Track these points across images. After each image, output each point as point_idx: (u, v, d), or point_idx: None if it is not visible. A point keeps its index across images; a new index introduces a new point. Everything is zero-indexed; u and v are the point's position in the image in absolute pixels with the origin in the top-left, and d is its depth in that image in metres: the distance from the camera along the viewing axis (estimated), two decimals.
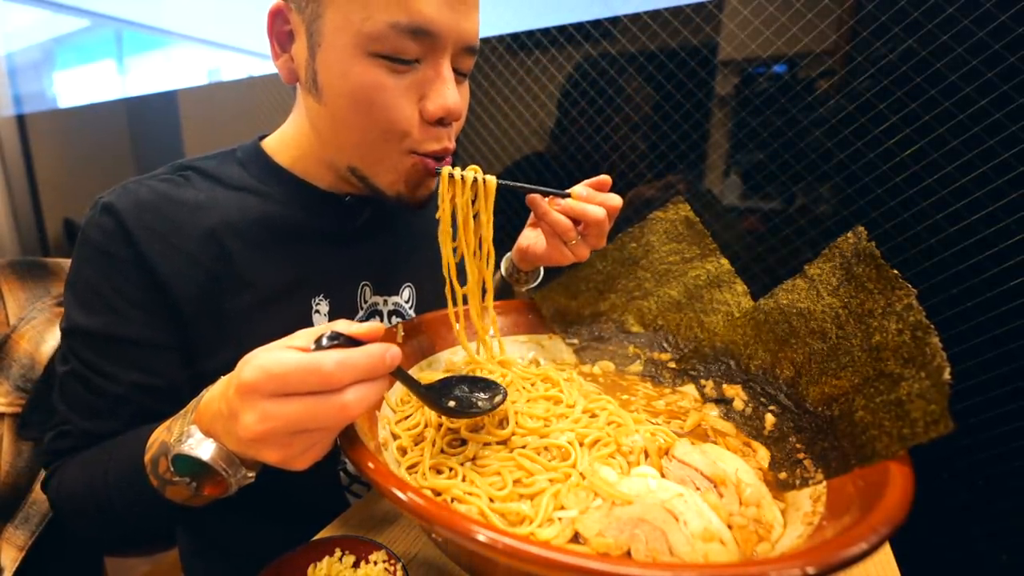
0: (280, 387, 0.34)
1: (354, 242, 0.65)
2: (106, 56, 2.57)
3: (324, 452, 0.38)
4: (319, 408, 0.34)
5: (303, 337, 0.37)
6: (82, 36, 2.58)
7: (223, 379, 0.40)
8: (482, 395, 0.48)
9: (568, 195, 0.60)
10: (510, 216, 0.77)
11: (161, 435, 0.45)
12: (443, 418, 0.50)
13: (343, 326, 0.37)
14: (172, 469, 0.42)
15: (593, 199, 0.60)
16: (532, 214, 0.68)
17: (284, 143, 0.63)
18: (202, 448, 0.40)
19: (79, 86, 2.67)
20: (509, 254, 0.79)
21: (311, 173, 0.62)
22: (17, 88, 2.55)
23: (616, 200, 0.61)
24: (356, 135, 0.54)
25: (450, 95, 0.52)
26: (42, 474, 0.66)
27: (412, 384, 0.42)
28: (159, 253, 0.53)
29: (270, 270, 0.58)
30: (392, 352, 0.36)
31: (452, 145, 0.58)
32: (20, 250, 2.56)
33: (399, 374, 0.40)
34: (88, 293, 0.53)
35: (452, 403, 0.46)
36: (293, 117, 0.63)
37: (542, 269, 0.77)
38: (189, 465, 0.41)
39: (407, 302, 0.70)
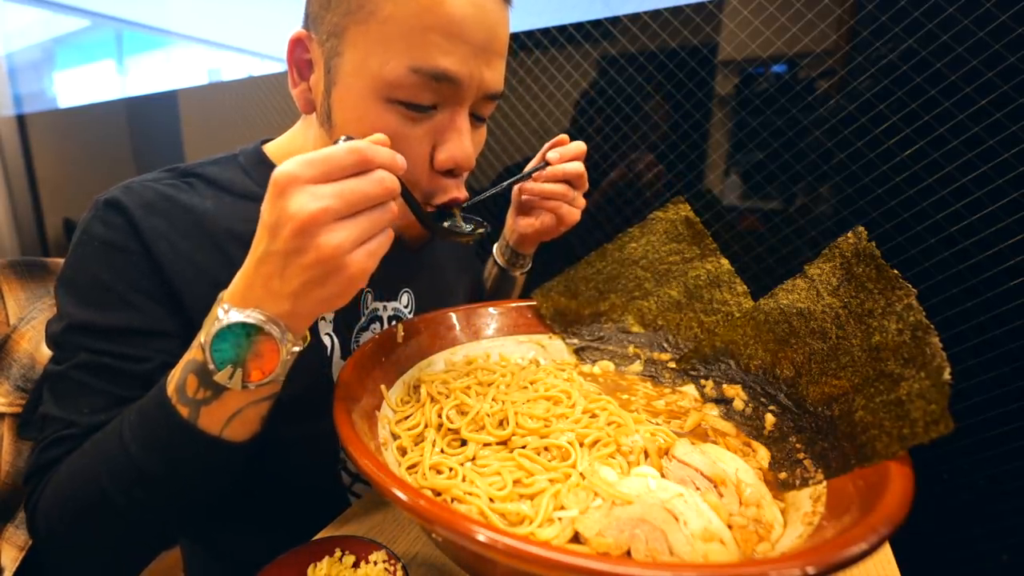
0: (325, 171, 0.35)
1: None
2: (106, 56, 2.58)
3: (371, 261, 0.38)
4: (362, 182, 0.36)
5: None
6: (82, 36, 2.58)
7: (246, 260, 0.40)
8: (468, 226, 0.55)
9: (545, 165, 0.67)
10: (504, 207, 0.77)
11: (182, 362, 0.42)
12: (443, 418, 0.50)
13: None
14: (212, 366, 0.39)
15: (565, 157, 0.67)
16: (513, 201, 0.75)
17: (289, 151, 0.62)
18: (245, 313, 0.38)
19: (79, 86, 2.67)
20: (499, 243, 0.81)
21: None
22: (17, 88, 2.55)
23: (578, 147, 0.68)
24: None
25: (463, 148, 0.51)
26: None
27: (412, 200, 0.46)
28: (167, 254, 0.52)
29: None
30: (400, 156, 0.40)
31: (462, 195, 0.56)
32: (20, 250, 2.56)
33: (403, 191, 0.42)
34: (96, 290, 0.51)
35: (446, 224, 0.53)
36: (301, 128, 0.62)
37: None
38: (234, 339, 0.39)
39: (406, 307, 0.71)
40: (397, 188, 0.38)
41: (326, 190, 0.35)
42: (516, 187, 0.73)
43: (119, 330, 0.50)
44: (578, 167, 0.67)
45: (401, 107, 0.49)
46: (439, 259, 0.78)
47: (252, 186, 0.60)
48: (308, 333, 0.43)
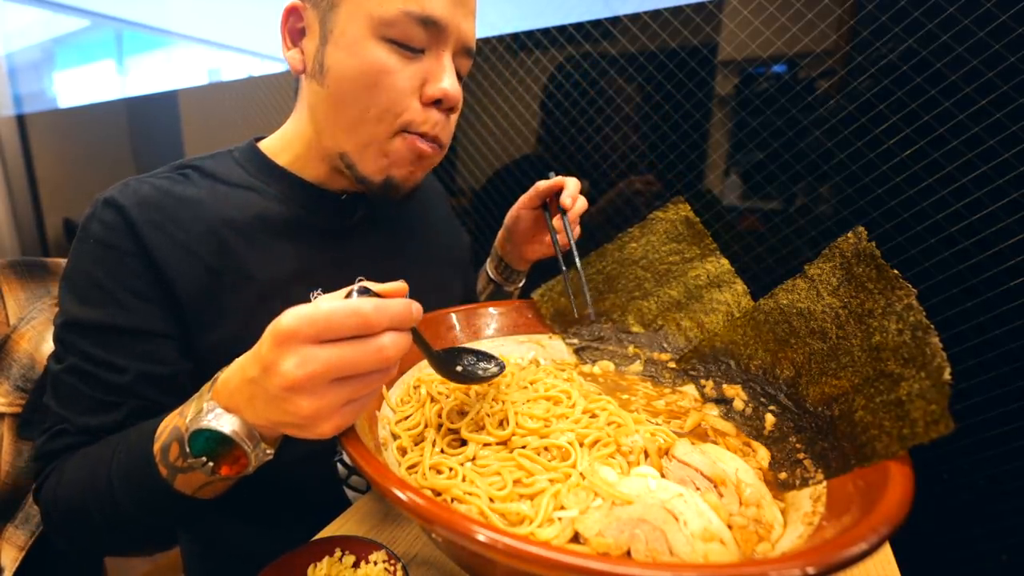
0: (321, 331, 0.34)
1: (350, 238, 0.67)
2: (106, 56, 2.57)
3: (349, 421, 0.38)
4: (358, 351, 0.35)
5: (330, 298, 0.38)
6: (82, 36, 2.58)
7: (240, 359, 0.40)
8: (483, 364, 0.51)
9: (563, 212, 0.69)
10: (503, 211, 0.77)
11: (173, 421, 0.45)
12: (443, 418, 0.50)
13: (369, 284, 0.39)
14: (188, 450, 0.41)
15: (575, 198, 0.69)
16: (510, 227, 0.77)
17: (282, 143, 0.65)
18: (224, 421, 0.40)
19: (79, 86, 2.67)
20: (491, 262, 0.83)
21: (308, 171, 0.64)
22: (17, 88, 2.55)
23: (578, 184, 0.71)
24: (353, 113, 0.56)
25: (450, 82, 0.56)
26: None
27: (426, 347, 0.44)
28: (161, 246, 0.54)
29: (269, 264, 0.59)
30: (416, 306, 0.38)
31: (446, 138, 0.61)
32: (20, 250, 2.56)
33: (416, 335, 0.41)
34: (89, 287, 0.53)
35: (459, 368, 0.49)
36: (293, 118, 0.65)
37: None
38: (208, 441, 0.40)
39: None
40: (398, 355, 0.37)
41: (319, 355, 0.34)
42: (513, 215, 0.76)
43: (106, 328, 0.53)
44: (584, 204, 0.71)
45: (394, 45, 0.54)
46: (433, 255, 0.79)
47: (245, 176, 0.63)
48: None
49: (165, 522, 0.52)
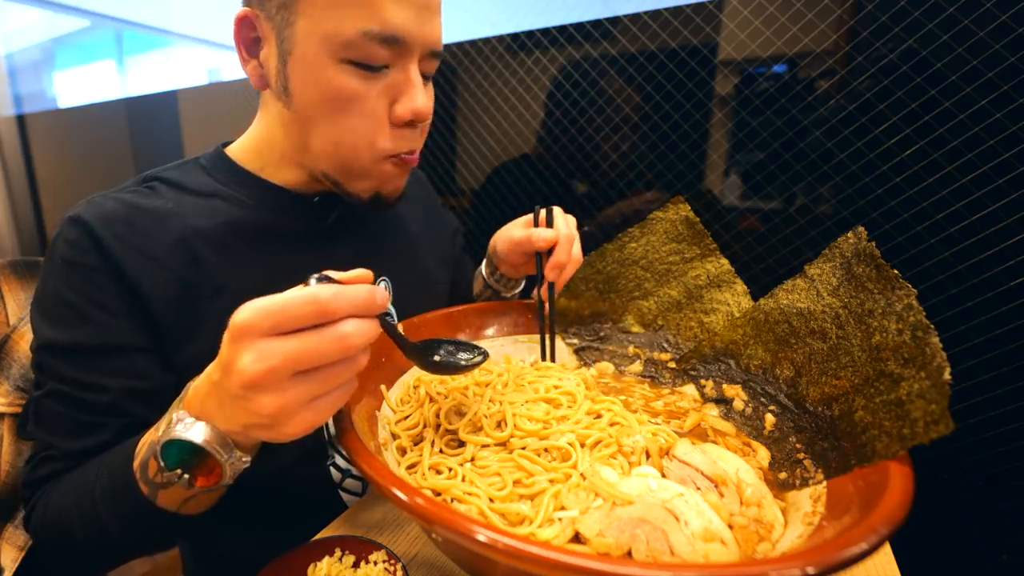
0: (278, 322, 0.33)
1: (326, 241, 0.65)
2: (106, 56, 2.57)
3: (320, 418, 0.35)
4: (318, 340, 0.33)
5: (289, 291, 0.36)
6: (82, 36, 2.58)
7: (209, 365, 0.39)
8: (464, 355, 0.48)
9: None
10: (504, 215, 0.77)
11: (150, 436, 0.44)
12: (441, 418, 0.50)
13: (330, 272, 0.37)
14: (163, 463, 0.40)
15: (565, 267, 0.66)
16: (505, 244, 0.71)
17: (251, 148, 0.64)
18: (193, 430, 0.38)
19: (79, 86, 2.67)
20: (487, 269, 0.79)
21: (279, 176, 0.62)
22: (17, 88, 2.55)
23: (572, 241, 0.67)
24: (327, 139, 0.55)
25: (419, 99, 0.54)
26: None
27: (397, 336, 0.42)
28: (129, 261, 0.53)
29: (243, 273, 0.58)
30: (382, 292, 0.36)
31: (420, 145, 0.60)
32: (20, 250, 2.56)
33: (385, 324, 0.39)
34: (60, 307, 0.52)
35: (437, 358, 0.46)
36: (258, 122, 0.63)
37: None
38: (180, 452, 0.39)
39: None
40: (362, 343, 0.35)
41: (276, 348, 0.32)
42: (505, 248, 0.71)
43: (81, 348, 0.52)
44: (572, 271, 0.67)
45: (355, 67, 0.51)
46: (418, 250, 0.77)
47: (214, 184, 0.61)
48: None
49: (154, 541, 0.50)
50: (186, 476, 0.40)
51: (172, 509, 0.44)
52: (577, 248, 0.68)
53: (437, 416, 0.50)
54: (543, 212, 0.69)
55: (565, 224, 0.67)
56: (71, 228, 0.53)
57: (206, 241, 0.57)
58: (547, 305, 0.66)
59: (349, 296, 0.34)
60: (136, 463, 0.44)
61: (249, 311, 0.33)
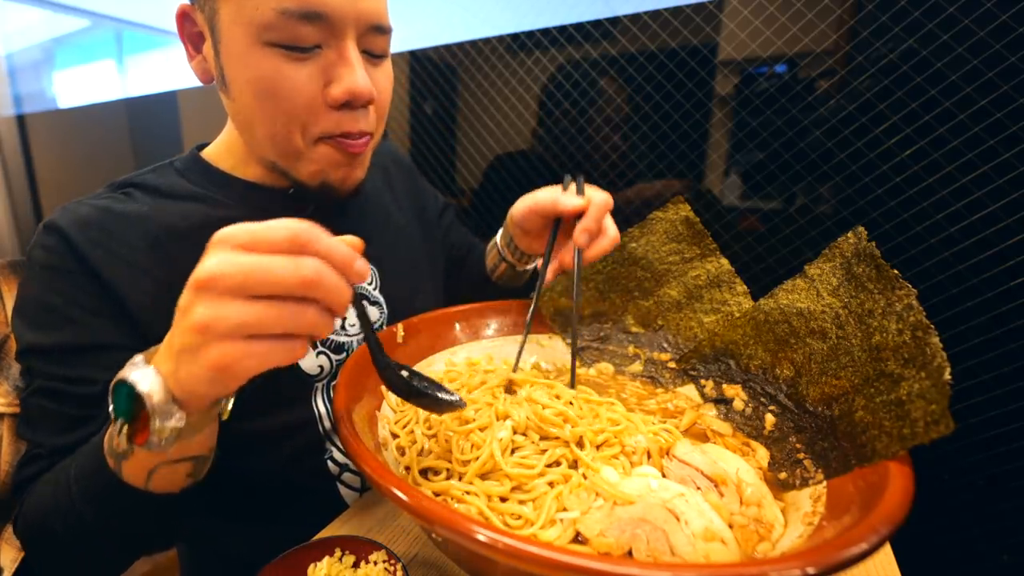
0: (250, 239, 0.32)
1: None
2: (106, 56, 2.57)
3: (245, 359, 0.32)
4: (276, 262, 0.31)
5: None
6: (82, 36, 2.57)
7: None
8: (444, 395, 0.44)
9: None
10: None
11: None
12: (414, 461, 0.46)
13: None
14: (111, 413, 0.37)
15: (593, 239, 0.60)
16: (520, 220, 0.67)
17: (223, 148, 0.64)
18: (138, 373, 0.35)
19: (79, 86, 2.66)
20: (503, 242, 0.76)
21: (249, 172, 0.62)
22: (17, 88, 2.54)
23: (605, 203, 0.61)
24: (263, 127, 0.54)
25: (356, 78, 0.50)
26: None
27: (378, 353, 0.41)
28: (105, 264, 0.52)
29: None
30: (363, 263, 0.34)
31: (371, 128, 0.56)
32: (20, 250, 2.56)
33: (358, 310, 0.37)
34: (41, 313, 0.52)
35: (415, 383, 0.43)
36: (230, 126, 0.63)
37: None
38: (121, 398, 0.36)
39: (370, 283, 0.69)
40: (318, 282, 0.32)
41: (236, 258, 0.31)
42: (523, 213, 0.66)
43: (65, 349, 0.51)
44: (604, 249, 0.61)
45: (281, 49, 0.49)
46: (405, 236, 0.76)
47: (189, 186, 0.61)
48: (207, 416, 0.39)
49: (133, 531, 0.47)
50: (126, 429, 0.37)
51: (140, 486, 0.42)
52: (611, 222, 0.62)
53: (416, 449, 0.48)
54: (572, 185, 0.63)
55: (598, 193, 0.62)
56: (47, 235, 0.53)
57: (183, 243, 0.56)
58: (575, 272, 0.60)
59: (326, 241, 0.33)
60: (105, 438, 0.43)
61: (235, 227, 0.33)
